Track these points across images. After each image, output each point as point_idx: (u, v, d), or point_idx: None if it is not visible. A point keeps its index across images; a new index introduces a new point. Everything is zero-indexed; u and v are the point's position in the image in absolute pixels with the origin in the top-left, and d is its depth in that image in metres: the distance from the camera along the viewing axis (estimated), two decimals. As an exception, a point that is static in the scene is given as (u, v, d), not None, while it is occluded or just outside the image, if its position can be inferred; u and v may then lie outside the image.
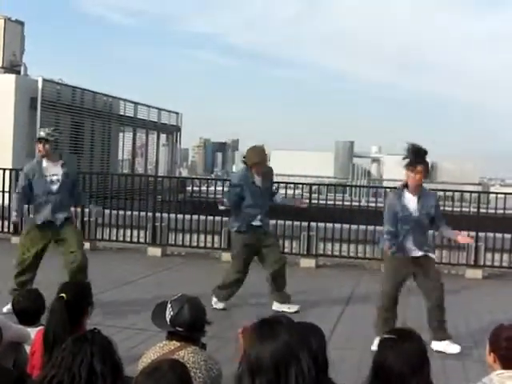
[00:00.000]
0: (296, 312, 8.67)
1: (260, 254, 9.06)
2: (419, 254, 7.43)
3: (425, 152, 7.31)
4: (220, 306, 8.93)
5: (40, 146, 8.20)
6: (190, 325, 3.83)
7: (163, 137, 31.51)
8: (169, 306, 3.89)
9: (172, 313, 3.85)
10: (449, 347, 7.33)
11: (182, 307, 3.86)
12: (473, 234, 12.51)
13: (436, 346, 7.25)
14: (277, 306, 8.92)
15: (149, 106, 29.73)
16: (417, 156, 7.22)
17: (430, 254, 7.60)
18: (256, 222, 8.93)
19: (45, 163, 8.31)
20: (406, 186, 7.35)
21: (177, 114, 32.03)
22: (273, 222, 13.20)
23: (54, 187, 8.29)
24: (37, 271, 8.36)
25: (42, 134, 8.29)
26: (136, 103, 28.53)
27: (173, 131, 31.75)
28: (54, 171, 8.32)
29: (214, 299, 8.93)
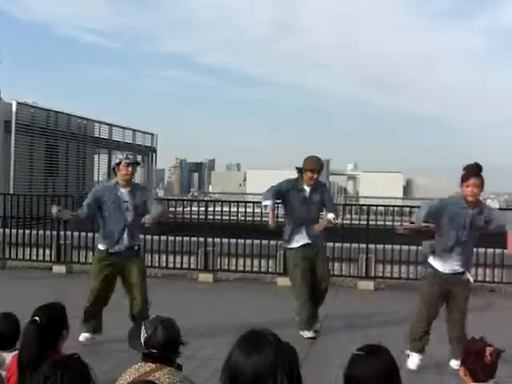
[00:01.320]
0: (313, 338, 8.66)
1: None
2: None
3: (478, 167, 7.23)
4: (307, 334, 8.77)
5: (129, 170, 7.85)
6: (164, 346, 3.84)
7: (138, 158, 31.51)
8: (143, 327, 3.91)
9: (146, 334, 3.86)
10: None
11: (155, 329, 3.86)
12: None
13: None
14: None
15: (123, 128, 29.76)
16: (471, 170, 7.15)
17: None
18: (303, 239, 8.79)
19: (121, 188, 7.98)
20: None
21: (152, 134, 32.11)
22: (241, 241, 13.29)
23: (129, 215, 7.98)
24: (109, 299, 8.28)
25: (131, 157, 8.05)
26: (111, 125, 28.55)
27: (148, 152, 31.81)
28: (126, 197, 7.97)
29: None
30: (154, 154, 32.41)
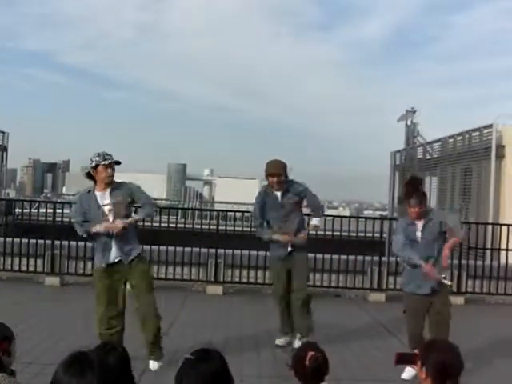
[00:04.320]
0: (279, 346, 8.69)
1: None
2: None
3: (416, 182, 7.77)
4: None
5: (109, 171, 7.15)
6: None
7: (-13, 156, 30.41)
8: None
9: None
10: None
11: None
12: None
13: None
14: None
15: (-28, 125, 28.65)
16: (408, 190, 7.53)
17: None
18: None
19: (96, 192, 7.27)
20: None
21: (3, 132, 31.03)
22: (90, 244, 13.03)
23: (109, 219, 7.21)
24: (123, 319, 7.47)
25: (109, 157, 7.16)
26: (-43, 122, 27.44)
27: (-2, 151, 30.73)
28: (102, 201, 7.22)
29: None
30: (5, 153, 31.35)
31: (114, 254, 7.31)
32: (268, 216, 8.73)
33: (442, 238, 7.58)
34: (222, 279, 13.03)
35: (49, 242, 13.12)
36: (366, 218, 21.40)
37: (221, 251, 13.01)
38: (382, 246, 13.36)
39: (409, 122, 30.34)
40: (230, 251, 12.94)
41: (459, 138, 23.80)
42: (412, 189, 7.58)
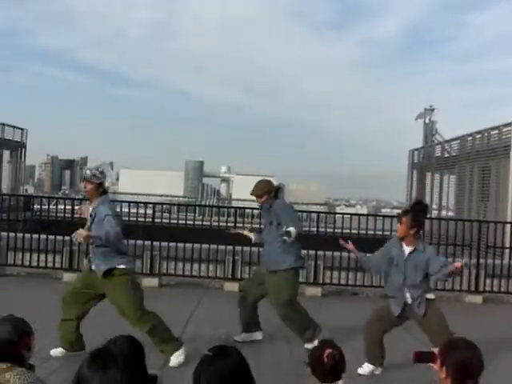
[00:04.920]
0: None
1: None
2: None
3: (415, 205, 7.78)
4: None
5: (82, 186, 7.38)
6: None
7: (7, 153, 30.62)
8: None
9: None
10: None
11: None
12: (312, 252, 12.95)
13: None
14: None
15: (-9, 122, 28.83)
16: (413, 209, 7.48)
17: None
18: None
19: (90, 203, 7.47)
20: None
21: (22, 129, 31.23)
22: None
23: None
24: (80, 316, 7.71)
25: (88, 173, 7.24)
26: (-23, 118, 27.63)
27: (17, 147, 30.92)
28: (89, 214, 7.38)
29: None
30: (24, 150, 31.52)
31: (91, 262, 7.44)
32: None
33: (424, 274, 7.33)
34: (239, 276, 13.05)
35: (67, 238, 13.18)
36: (383, 216, 21.29)
37: (238, 248, 13.03)
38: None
39: (427, 120, 30.26)
40: (247, 248, 12.95)
41: (478, 136, 23.69)
42: (414, 209, 7.47)
